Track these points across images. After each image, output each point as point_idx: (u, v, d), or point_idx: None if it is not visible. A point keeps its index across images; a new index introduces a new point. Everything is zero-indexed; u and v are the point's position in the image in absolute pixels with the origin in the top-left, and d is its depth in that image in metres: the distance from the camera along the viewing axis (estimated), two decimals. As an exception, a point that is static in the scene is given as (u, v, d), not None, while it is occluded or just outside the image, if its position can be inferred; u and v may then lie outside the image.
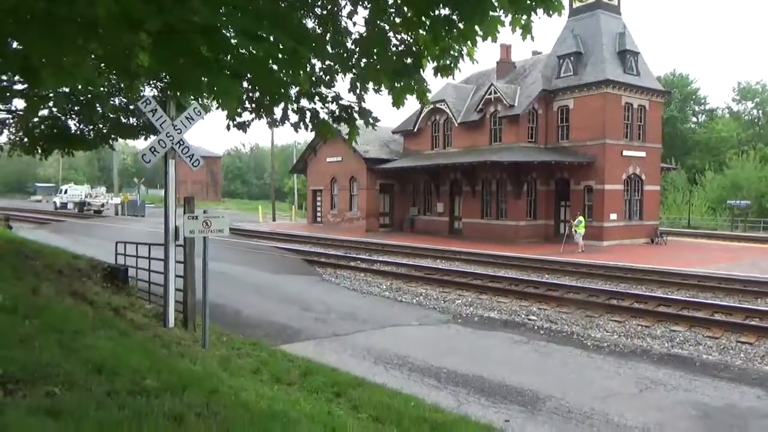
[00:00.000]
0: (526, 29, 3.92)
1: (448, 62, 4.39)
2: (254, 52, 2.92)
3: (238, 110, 5.39)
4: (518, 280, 16.41)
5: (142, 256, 11.22)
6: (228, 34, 2.84)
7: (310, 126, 5.18)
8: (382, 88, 4.49)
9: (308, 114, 5.17)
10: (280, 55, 2.99)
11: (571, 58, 29.50)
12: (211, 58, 2.77)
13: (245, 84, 4.93)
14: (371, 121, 5.00)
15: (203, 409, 4.06)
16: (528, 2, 3.57)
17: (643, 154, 29.68)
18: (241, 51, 3.11)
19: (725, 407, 7.04)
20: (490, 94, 30.65)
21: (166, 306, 8.68)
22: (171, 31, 2.58)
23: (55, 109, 12.01)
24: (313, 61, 4.60)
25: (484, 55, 72.79)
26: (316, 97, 5.10)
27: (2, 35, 3.14)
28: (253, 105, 5.41)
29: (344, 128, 5.35)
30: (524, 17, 3.79)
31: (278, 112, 5.30)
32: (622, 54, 29.10)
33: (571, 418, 6.55)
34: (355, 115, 5.00)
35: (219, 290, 11.97)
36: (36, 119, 12.77)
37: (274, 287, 14.95)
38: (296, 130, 5.28)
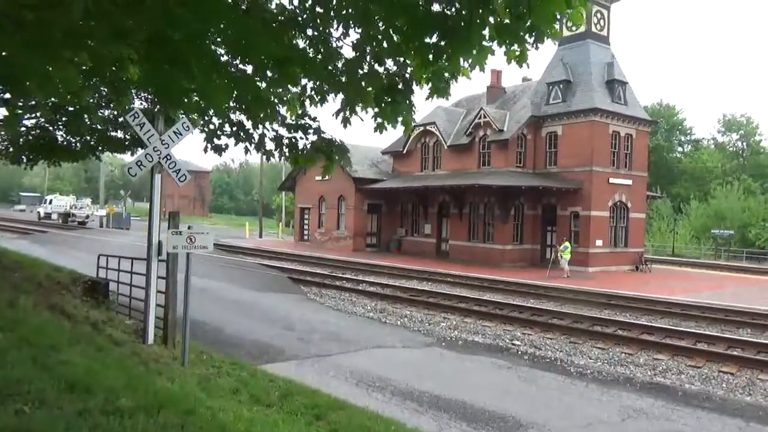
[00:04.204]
0: (522, 58, 3.94)
1: (441, 85, 4.40)
2: (242, 67, 2.91)
3: (217, 132, 5.37)
4: (503, 304, 16.39)
5: (124, 270, 11.04)
6: (216, 49, 2.82)
7: (286, 156, 5.15)
8: (369, 112, 4.49)
9: (286, 143, 5.15)
10: (269, 73, 3.00)
11: (561, 85, 29.93)
12: (198, 70, 2.76)
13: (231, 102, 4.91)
14: (347, 160, 5.00)
15: (178, 431, 3.96)
16: (516, 32, 3.60)
17: (629, 182, 30.01)
18: (230, 70, 3.10)
19: (706, 438, 7.02)
20: (480, 118, 30.94)
21: (146, 322, 8.52)
22: (160, 40, 2.57)
23: (42, 119, 11.91)
24: (303, 81, 4.60)
25: (475, 79, 73.66)
26: (299, 129, 5.08)
27: None
28: (233, 128, 5.39)
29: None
30: (517, 48, 3.82)
31: (255, 137, 5.28)
32: (611, 83, 29.58)
33: (553, 446, 6.49)
34: (333, 151, 4.99)
35: (201, 307, 11.82)
36: (23, 129, 12.66)
37: (258, 305, 14.79)
38: (268, 159, 5.26)
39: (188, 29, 2.71)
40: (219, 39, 3.32)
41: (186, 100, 4.28)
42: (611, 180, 29.04)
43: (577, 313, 15.32)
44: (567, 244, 25.10)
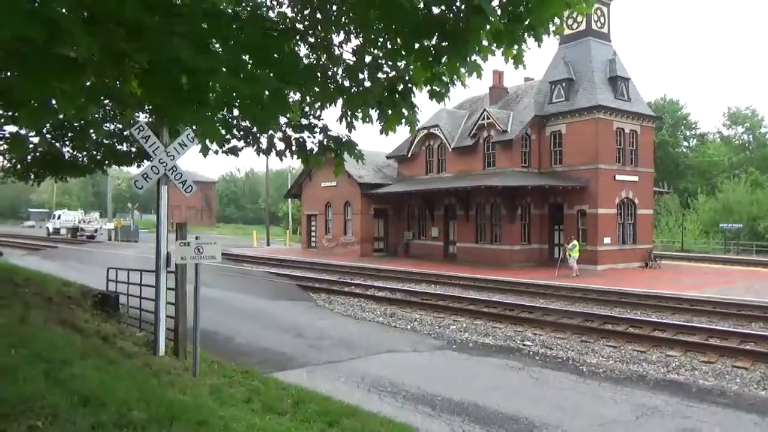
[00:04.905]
0: (518, 59, 3.97)
1: (438, 89, 4.42)
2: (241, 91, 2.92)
3: (227, 137, 5.40)
4: (513, 305, 16.33)
5: (134, 283, 11.11)
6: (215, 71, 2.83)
7: (296, 155, 5.18)
8: (372, 116, 4.50)
9: (294, 143, 5.18)
10: (266, 92, 3.02)
11: (563, 84, 29.89)
12: (193, 95, 2.77)
13: (235, 111, 4.93)
14: (357, 154, 5.00)
15: (191, 442, 3.97)
16: (513, 34, 3.61)
17: (635, 178, 29.89)
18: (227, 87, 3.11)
19: (722, 434, 6.96)
20: (484, 119, 30.93)
21: (156, 333, 8.56)
22: (155, 68, 2.59)
23: (48, 136, 11.99)
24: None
25: (477, 81, 73.73)
26: (305, 129, 5.10)
27: None
28: (241, 132, 5.42)
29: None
30: (515, 48, 3.84)
31: (264, 140, 5.30)
32: (613, 80, 29.51)
33: (567, 446, 6.45)
34: (342, 147, 5.00)
35: (211, 317, 11.85)
36: (30, 145, 12.74)
37: (267, 313, 14.82)
38: (281, 159, 5.29)
39: (189, 63, 2.71)
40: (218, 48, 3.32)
41: (180, 121, 4.29)
42: (617, 177, 28.93)
43: (587, 312, 15.24)
44: (575, 242, 25.01)
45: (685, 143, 72.12)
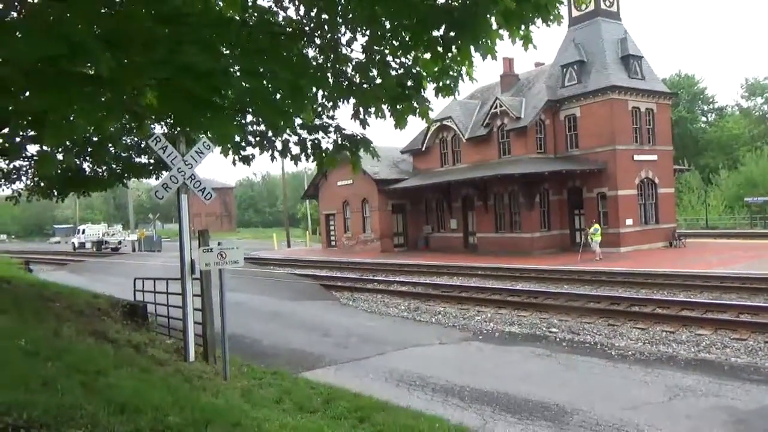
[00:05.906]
0: (527, 40, 3.96)
1: (447, 82, 4.43)
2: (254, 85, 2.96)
3: (242, 144, 5.46)
4: (537, 293, 16.25)
5: (160, 292, 11.28)
6: (228, 72, 2.88)
7: (312, 157, 5.22)
8: (385, 111, 4.53)
9: (309, 145, 5.23)
10: (280, 90, 3.06)
11: (575, 66, 29.56)
12: (209, 99, 2.82)
13: (249, 117, 4.99)
14: (372, 151, 5.03)
15: (227, 443, 4.04)
16: (523, 15, 3.60)
17: (654, 157, 29.48)
18: (242, 84, 3.16)
19: (758, 411, 6.87)
20: (496, 107, 30.73)
21: (185, 340, 8.69)
22: (169, 77, 2.64)
23: (72, 151, 12.21)
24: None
25: (487, 69, 73.17)
26: (319, 129, 5.15)
27: (16, 90, 3.20)
28: (256, 138, 5.49)
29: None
30: (522, 28, 3.84)
31: (279, 144, 5.36)
32: (625, 59, 29.10)
33: (600, 431, 6.42)
34: (358, 145, 5.04)
35: (238, 320, 11.99)
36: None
37: (293, 314, 14.94)
38: (296, 163, 5.32)
39: (202, 66, 2.75)
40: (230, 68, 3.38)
41: (198, 127, 4.34)
42: (636, 157, 28.56)
43: (613, 295, 15.12)
44: (597, 226, 24.77)
45: (704, 118, 70.81)
